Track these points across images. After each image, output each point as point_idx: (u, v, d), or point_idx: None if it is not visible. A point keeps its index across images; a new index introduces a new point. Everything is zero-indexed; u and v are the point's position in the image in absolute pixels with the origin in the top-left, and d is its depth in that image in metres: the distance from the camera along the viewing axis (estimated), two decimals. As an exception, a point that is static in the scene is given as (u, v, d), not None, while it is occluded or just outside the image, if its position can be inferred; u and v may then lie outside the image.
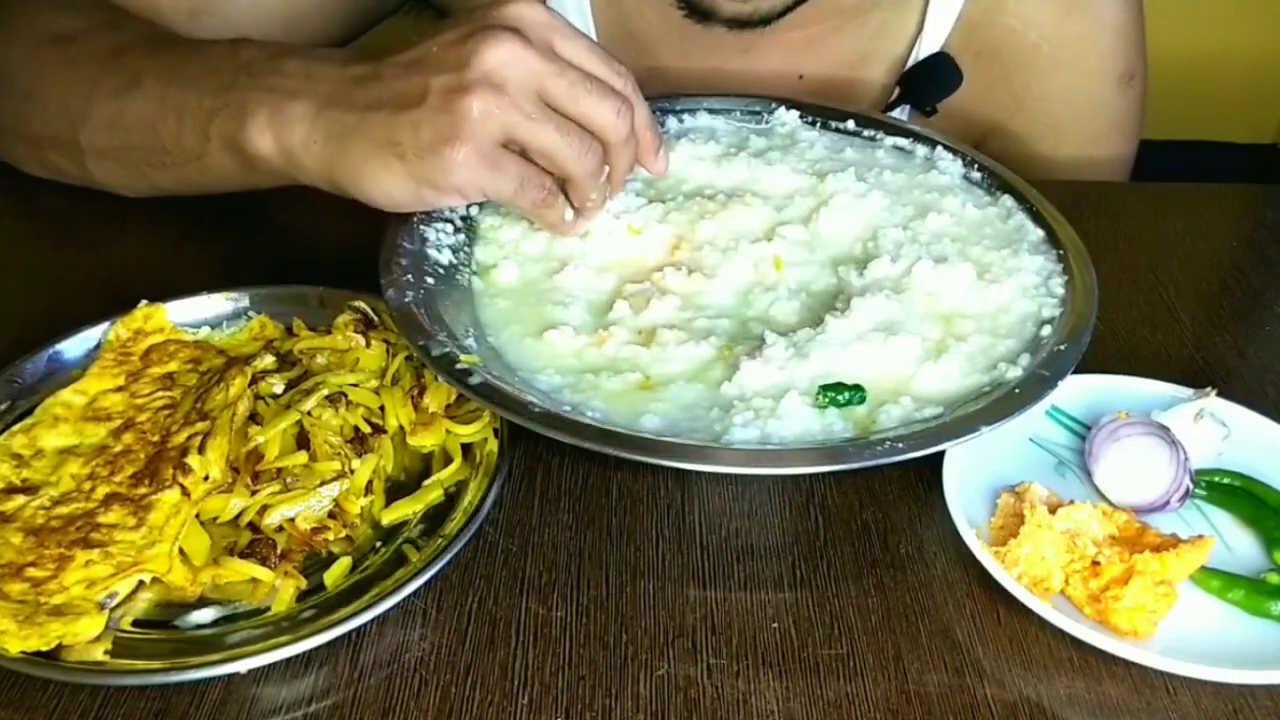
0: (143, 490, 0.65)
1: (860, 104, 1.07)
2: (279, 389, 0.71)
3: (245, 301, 0.79)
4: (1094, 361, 0.75)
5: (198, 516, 0.65)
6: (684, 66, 1.07)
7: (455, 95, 0.69)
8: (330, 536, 0.65)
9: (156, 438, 0.69)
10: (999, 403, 0.68)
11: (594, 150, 0.73)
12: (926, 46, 1.05)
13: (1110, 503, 0.68)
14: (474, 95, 0.69)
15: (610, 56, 0.75)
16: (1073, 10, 1.04)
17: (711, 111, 0.96)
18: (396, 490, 0.68)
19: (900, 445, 0.65)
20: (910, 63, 1.06)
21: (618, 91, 0.74)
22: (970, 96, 1.05)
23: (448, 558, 0.63)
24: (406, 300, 0.73)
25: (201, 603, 0.62)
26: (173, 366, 0.74)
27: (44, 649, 0.58)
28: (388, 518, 0.67)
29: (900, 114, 1.07)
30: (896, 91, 1.06)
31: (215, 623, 0.61)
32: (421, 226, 0.79)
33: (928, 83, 1.05)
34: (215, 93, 0.78)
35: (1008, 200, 0.87)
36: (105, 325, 0.76)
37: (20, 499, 0.65)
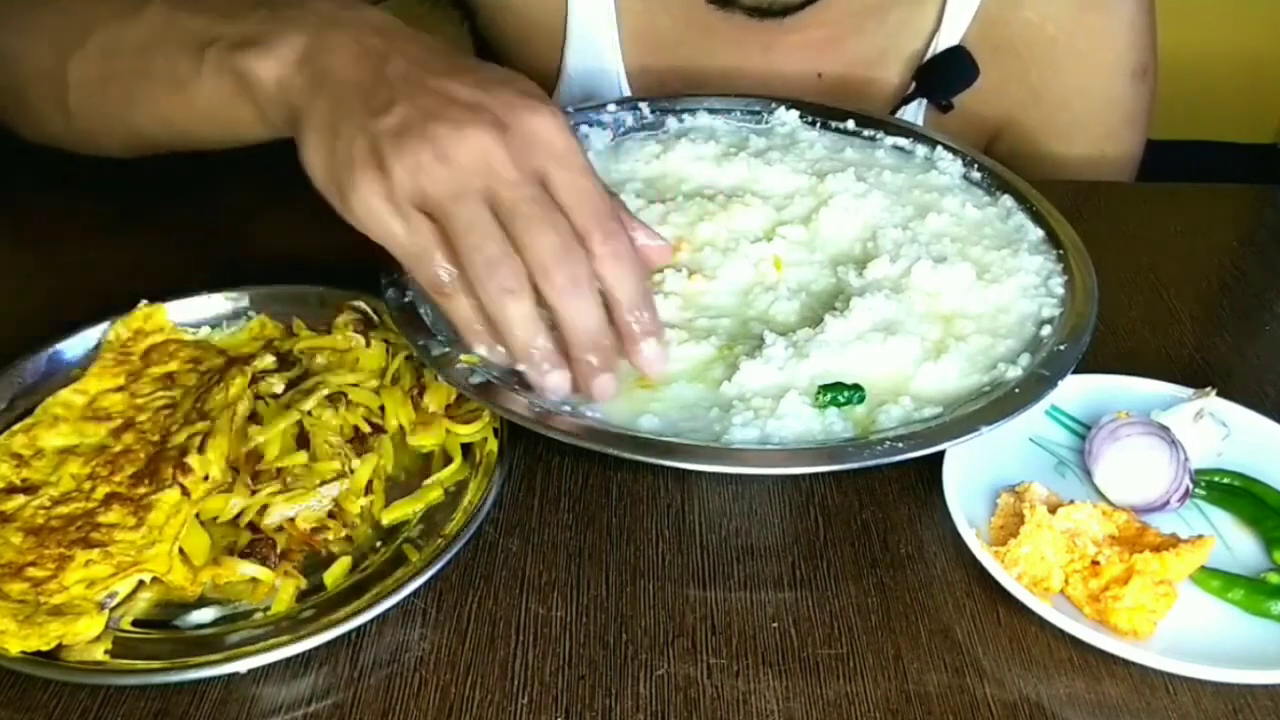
0: (143, 490, 0.65)
1: (878, 102, 1.08)
2: (279, 389, 0.71)
3: (245, 301, 0.79)
4: (1094, 361, 0.75)
5: (198, 516, 0.65)
6: (704, 64, 1.07)
7: (405, 136, 0.64)
8: (330, 536, 0.65)
9: (156, 437, 0.69)
10: (999, 403, 0.68)
11: (507, 266, 0.64)
12: (944, 43, 1.05)
13: (1110, 503, 0.68)
14: (420, 149, 0.63)
15: (614, 212, 0.66)
16: (1089, 4, 1.05)
17: (711, 111, 0.96)
18: (396, 490, 0.68)
19: (900, 445, 0.65)
20: (927, 58, 1.06)
21: (590, 244, 0.65)
22: (986, 92, 1.06)
23: (448, 558, 0.63)
24: (406, 300, 0.73)
25: (201, 603, 0.62)
26: (173, 366, 0.74)
27: (44, 649, 0.58)
28: (388, 517, 0.67)
29: (917, 108, 1.07)
30: (913, 85, 1.06)
31: (215, 623, 0.61)
32: (421, 226, 0.79)
33: (945, 76, 1.05)
34: (225, 21, 0.74)
35: (1007, 200, 0.87)
36: (105, 325, 0.76)
37: (20, 499, 0.65)
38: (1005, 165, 0.91)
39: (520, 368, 0.67)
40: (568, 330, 0.65)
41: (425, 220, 0.65)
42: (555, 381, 0.66)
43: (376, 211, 0.65)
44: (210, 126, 0.79)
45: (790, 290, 0.79)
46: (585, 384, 0.67)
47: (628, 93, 1.09)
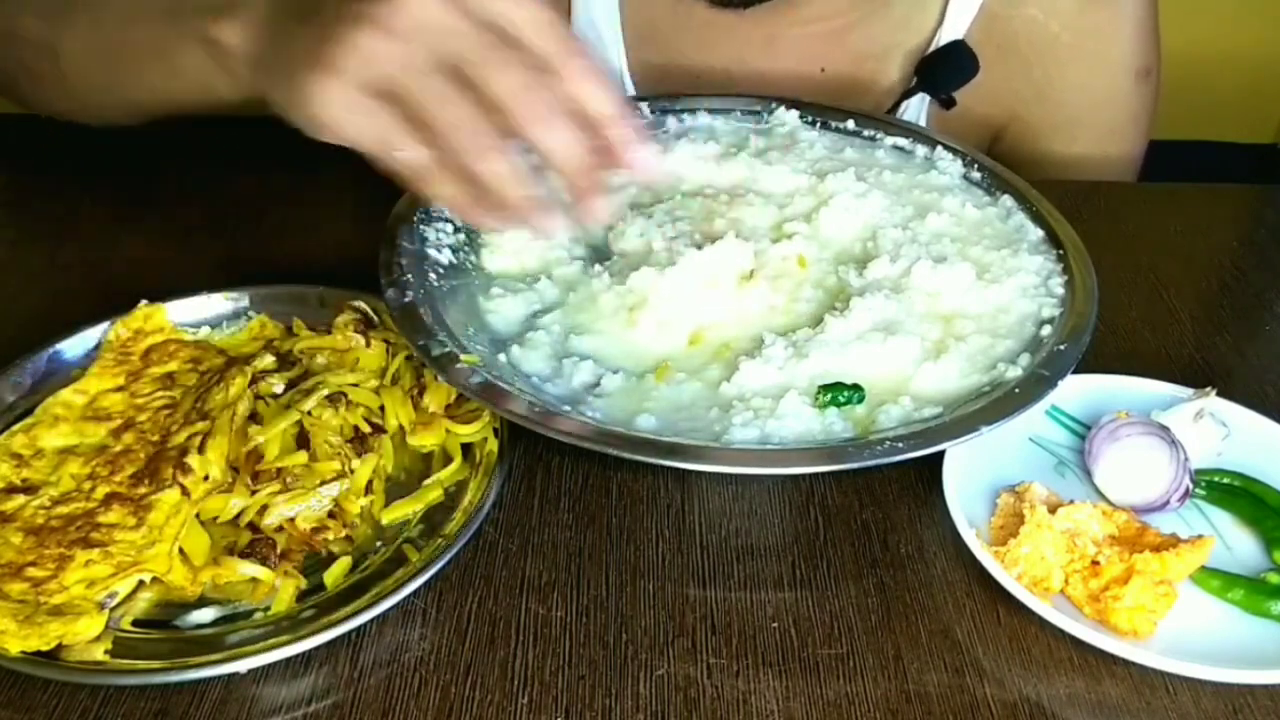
0: (143, 490, 0.65)
1: (881, 96, 1.08)
2: (279, 389, 0.71)
3: (245, 301, 0.79)
4: (1094, 361, 0.75)
5: (198, 516, 0.65)
6: (708, 58, 1.07)
7: (343, 24, 0.61)
8: (330, 536, 0.65)
9: (156, 437, 0.69)
10: (999, 402, 0.68)
11: (480, 125, 0.62)
12: (946, 39, 1.05)
13: (1110, 502, 0.68)
14: (359, 31, 0.61)
15: (568, 32, 0.64)
16: (1094, 1, 1.05)
17: (711, 111, 0.96)
18: (396, 490, 0.68)
19: (900, 445, 0.65)
20: (928, 53, 1.07)
21: (549, 61, 0.62)
22: (990, 89, 1.06)
23: (448, 558, 0.63)
24: (406, 300, 0.73)
25: (201, 603, 0.62)
26: (173, 366, 0.74)
27: (44, 649, 0.58)
28: (388, 518, 0.67)
29: (920, 103, 1.07)
30: (914, 80, 1.06)
31: (215, 623, 0.61)
32: (421, 226, 0.79)
33: (945, 70, 1.05)
34: None
35: (1007, 200, 0.87)
36: (105, 325, 0.76)
37: (20, 499, 0.65)
38: (1008, 164, 0.91)
39: (520, 227, 0.67)
40: (552, 161, 0.63)
41: (386, 106, 0.62)
42: (555, 225, 0.67)
43: (335, 112, 0.62)
44: (193, 92, 0.78)
45: (813, 288, 0.79)
46: (580, 214, 0.66)
47: (630, 86, 1.09)
